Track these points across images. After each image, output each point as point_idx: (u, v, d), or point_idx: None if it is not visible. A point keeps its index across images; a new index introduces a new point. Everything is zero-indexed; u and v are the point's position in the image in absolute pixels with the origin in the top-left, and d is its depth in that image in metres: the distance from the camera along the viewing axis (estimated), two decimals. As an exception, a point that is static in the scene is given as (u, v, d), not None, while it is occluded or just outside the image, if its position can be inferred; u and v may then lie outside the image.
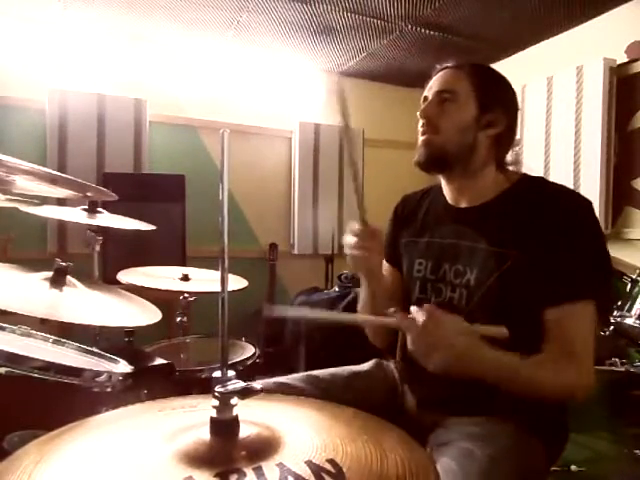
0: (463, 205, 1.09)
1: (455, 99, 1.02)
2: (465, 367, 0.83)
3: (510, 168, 1.08)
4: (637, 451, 1.81)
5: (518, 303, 0.95)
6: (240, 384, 0.54)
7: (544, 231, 0.93)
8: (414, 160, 1.06)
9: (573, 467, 1.69)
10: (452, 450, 0.85)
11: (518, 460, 0.86)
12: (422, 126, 1.05)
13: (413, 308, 0.85)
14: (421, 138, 1.05)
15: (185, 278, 1.65)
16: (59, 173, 1.15)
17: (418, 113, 1.06)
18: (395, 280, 1.23)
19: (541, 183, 1.04)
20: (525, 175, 1.06)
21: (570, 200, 0.97)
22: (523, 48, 3.25)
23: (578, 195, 0.98)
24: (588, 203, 0.96)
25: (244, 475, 0.46)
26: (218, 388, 0.53)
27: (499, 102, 1.03)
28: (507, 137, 1.05)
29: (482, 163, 1.04)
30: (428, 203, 1.19)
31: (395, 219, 1.25)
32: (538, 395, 0.89)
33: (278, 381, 1.11)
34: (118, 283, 1.47)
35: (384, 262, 1.26)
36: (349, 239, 1.06)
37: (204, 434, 0.52)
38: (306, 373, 1.17)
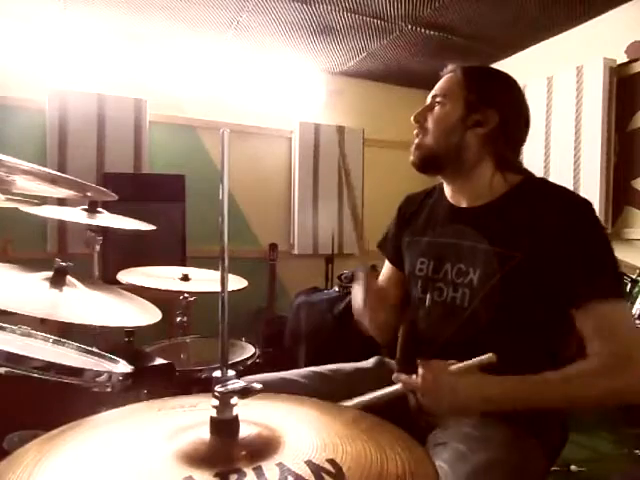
0: (464, 205, 1.10)
1: (444, 102, 1.06)
2: (485, 403, 0.85)
3: (515, 167, 1.08)
4: (637, 451, 1.81)
5: (521, 303, 0.95)
6: (240, 384, 0.54)
7: (547, 232, 0.93)
8: (410, 162, 1.11)
9: (573, 467, 1.69)
10: (446, 452, 0.85)
11: (515, 462, 0.85)
12: (415, 129, 1.11)
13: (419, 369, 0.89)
14: (415, 141, 1.11)
15: (185, 278, 1.65)
16: (59, 173, 1.15)
17: (411, 118, 1.11)
18: (397, 281, 1.23)
19: (543, 185, 1.04)
20: (528, 177, 1.06)
21: (571, 201, 0.97)
22: (523, 48, 3.25)
23: (578, 196, 0.99)
24: (588, 203, 0.96)
25: (244, 475, 0.46)
26: (218, 388, 0.53)
27: (489, 101, 1.04)
28: (501, 135, 1.04)
29: (475, 162, 1.05)
30: (431, 203, 1.20)
31: (398, 219, 1.26)
32: (594, 405, 0.90)
33: (279, 376, 1.12)
34: (118, 283, 1.46)
35: (386, 262, 1.27)
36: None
37: (204, 434, 0.52)
38: (308, 369, 1.17)
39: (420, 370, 0.89)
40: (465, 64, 1.09)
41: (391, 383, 1.18)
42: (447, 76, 1.10)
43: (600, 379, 0.85)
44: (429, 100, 1.10)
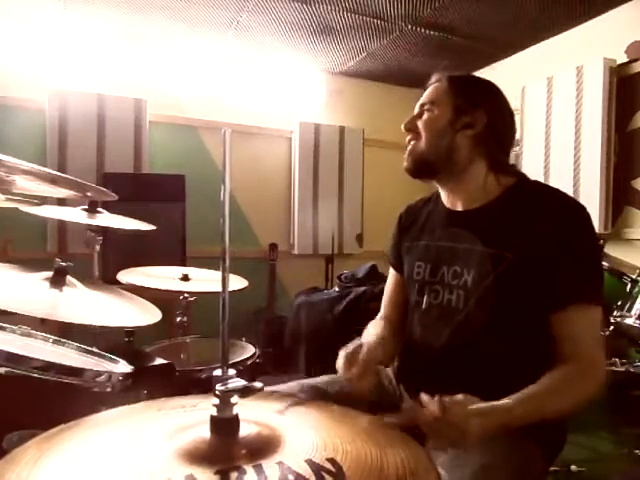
0: (459, 208, 1.10)
1: (432, 109, 1.08)
2: (484, 434, 0.79)
3: (509, 169, 1.08)
4: (637, 451, 1.81)
5: (515, 304, 0.96)
6: (241, 383, 0.54)
7: (540, 234, 0.94)
8: (403, 168, 1.12)
9: (573, 467, 1.69)
10: (444, 455, 0.84)
11: (513, 466, 0.85)
12: (408, 136, 1.12)
13: (424, 398, 0.80)
14: (408, 147, 1.12)
15: (185, 278, 1.65)
16: (59, 173, 1.15)
17: (402, 126, 1.12)
18: (402, 287, 1.24)
19: (537, 187, 1.05)
20: (522, 179, 1.07)
21: (565, 204, 0.98)
22: (523, 48, 3.25)
23: (572, 199, 0.99)
24: (582, 207, 0.97)
25: (244, 473, 0.46)
26: (219, 386, 0.53)
27: (477, 104, 1.05)
28: (491, 135, 1.05)
29: (466, 164, 1.06)
30: (429, 209, 1.21)
31: (399, 227, 1.27)
32: (571, 411, 0.90)
33: (272, 390, 1.08)
34: (118, 283, 1.46)
35: (391, 270, 1.27)
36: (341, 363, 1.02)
37: (205, 432, 0.52)
38: (300, 381, 1.13)
39: (433, 407, 0.78)
40: (451, 73, 1.11)
41: (387, 384, 1.18)
42: (433, 85, 1.11)
43: (569, 388, 0.88)
44: (417, 109, 1.12)
